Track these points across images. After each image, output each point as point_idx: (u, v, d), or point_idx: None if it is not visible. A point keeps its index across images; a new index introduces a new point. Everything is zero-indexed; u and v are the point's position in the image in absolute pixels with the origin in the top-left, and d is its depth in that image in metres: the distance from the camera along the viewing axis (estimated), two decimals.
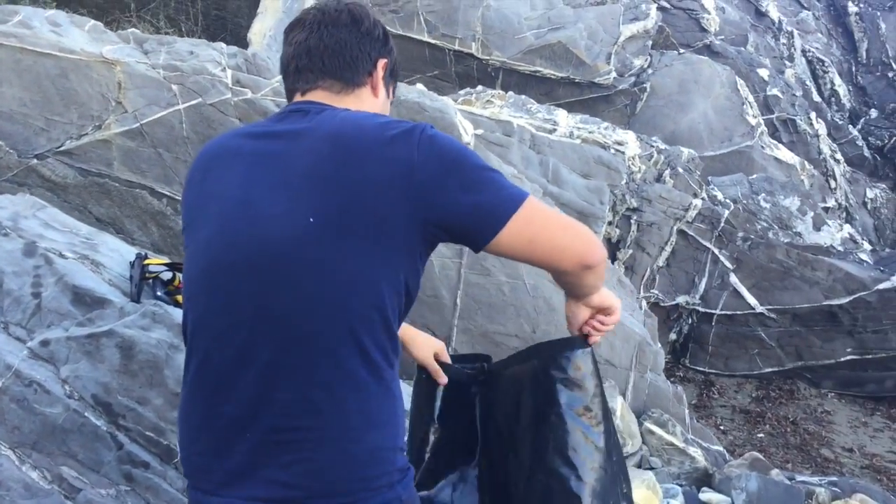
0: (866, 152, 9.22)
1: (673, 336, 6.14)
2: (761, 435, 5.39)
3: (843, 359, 6.10)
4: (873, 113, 9.90)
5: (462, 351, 3.71)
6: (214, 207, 1.44)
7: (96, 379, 2.23)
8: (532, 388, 1.66)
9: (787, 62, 8.89)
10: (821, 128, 7.98)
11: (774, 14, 9.37)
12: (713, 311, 5.99)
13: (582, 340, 1.66)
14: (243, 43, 6.03)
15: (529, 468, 1.65)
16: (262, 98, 3.49)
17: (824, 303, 5.92)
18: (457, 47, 6.63)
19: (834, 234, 6.25)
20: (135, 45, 3.60)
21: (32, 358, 2.25)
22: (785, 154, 7.10)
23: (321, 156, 1.36)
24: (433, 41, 6.63)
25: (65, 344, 2.25)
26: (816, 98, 8.94)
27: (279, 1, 6.17)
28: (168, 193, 3.51)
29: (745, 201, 6.09)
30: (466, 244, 1.41)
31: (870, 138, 9.53)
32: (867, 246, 6.38)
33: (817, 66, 9.49)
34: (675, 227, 5.81)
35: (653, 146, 6.03)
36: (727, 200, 6.00)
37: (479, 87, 5.96)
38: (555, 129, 5.71)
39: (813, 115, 8.06)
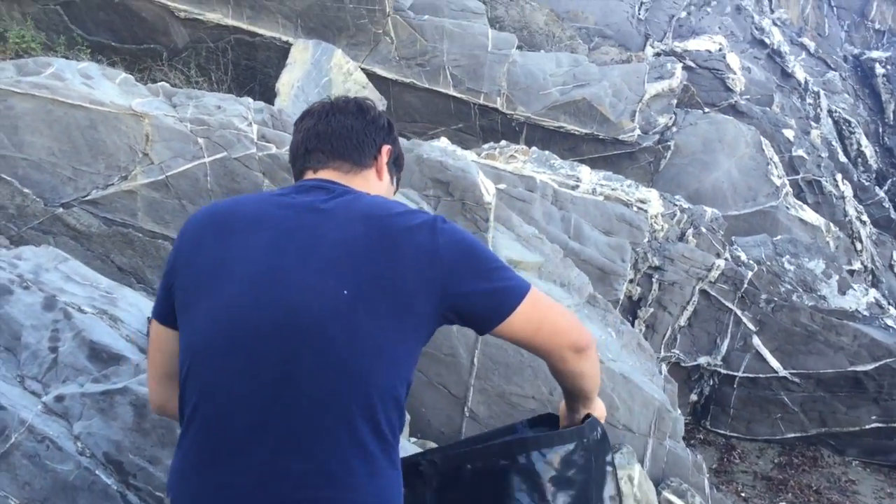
0: (893, 214, 9.14)
1: (694, 397, 6.05)
2: (783, 503, 5.25)
3: (867, 426, 5.96)
4: None
5: (479, 412, 3.66)
6: (238, 271, 1.46)
7: (109, 437, 2.22)
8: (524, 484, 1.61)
9: (812, 122, 8.87)
10: (847, 189, 7.92)
11: (801, 74, 9.39)
12: (735, 374, 5.90)
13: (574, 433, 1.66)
14: (271, 93, 6.12)
15: None
16: (286, 153, 3.52)
17: (849, 369, 5.81)
18: (482, 101, 6.69)
19: (859, 298, 6.16)
20: (164, 99, 3.66)
21: (46, 413, 2.24)
22: (810, 215, 7.04)
23: (355, 234, 1.44)
24: (458, 95, 6.70)
25: (79, 400, 2.24)
26: (843, 159, 8.90)
27: (308, 53, 6.27)
28: None
29: (768, 263, 6.02)
30: (474, 327, 1.52)
31: None
32: (893, 311, 6.27)
33: (843, 127, 9.46)
34: (697, 287, 5.75)
35: (676, 205, 6.01)
36: (751, 261, 5.94)
37: (503, 142, 5.99)
38: (577, 186, 5.71)
39: (839, 176, 8.02)
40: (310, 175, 1.65)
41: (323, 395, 1.37)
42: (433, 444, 3.55)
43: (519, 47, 7.01)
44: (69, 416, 2.24)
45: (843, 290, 6.16)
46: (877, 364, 5.75)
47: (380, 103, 6.54)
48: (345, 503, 1.36)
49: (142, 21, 6.24)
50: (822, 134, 8.84)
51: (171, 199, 3.50)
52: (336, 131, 1.66)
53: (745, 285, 5.81)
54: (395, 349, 1.41)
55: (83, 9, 6.17)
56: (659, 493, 3.59)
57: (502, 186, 4.97)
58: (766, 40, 9.48)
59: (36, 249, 2.67)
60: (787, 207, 6.93)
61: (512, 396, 3.65)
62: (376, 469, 1.39)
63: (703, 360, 5.88)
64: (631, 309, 5.65)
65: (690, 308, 5.78)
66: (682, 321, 5.80)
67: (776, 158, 7.19)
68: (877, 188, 9.22)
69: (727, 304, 5.80)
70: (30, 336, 2.34)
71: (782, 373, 5.88)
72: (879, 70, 10.54)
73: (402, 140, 4.03)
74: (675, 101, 7.21)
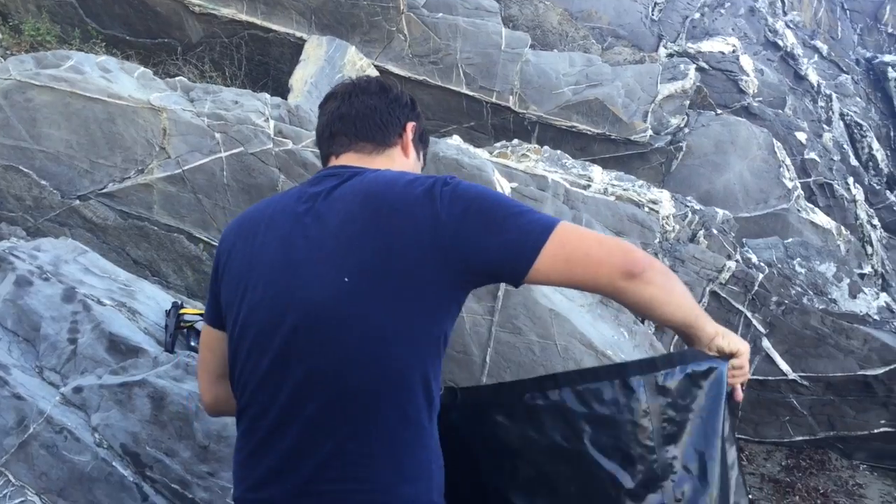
0: None
1: None
2: None
3: (876, 430, 5.94)
4: None
5: None
6: (260, 273, 1.52)
7: (126, 428, 2.24)
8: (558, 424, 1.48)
9: (825, 126, 8.84)
10: (858, 193, 7.90)
11: (813, 77, 9.35)
12: None
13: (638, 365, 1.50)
14: (284, 88, 6.13)
15: None
16: (303, 149, 3.53)
17: (859, 372, 5.79)
18: (494, 100, 6.68)
19: (870, 302, 6.14)
20: (181, 93, 3.68)
21: (64, 404, 2.26)
22: (821, 218, 7.02)
23: (352, 215, 1.44)
24: (471, 93, 6.69)
25: (97, 392, 2.26)
26: (854, 162, 8.86)
27: (321, 49, 6.28)
28: (205, 239, 3.54)
29: (779, 265, 6.01)
30: (505, 281, 1.45)
31: None
32: None
33: (855, 131, 9.43)
34: (707, 289, 5.74)
35: (687, 206, 6.00)
36: (762, 264, 5.93)
37: (515, 141, 5.99)
38: (589, 185, 5.71)
39: (850, 179, 7.99)
40: (332, 161, 1.67)
41: (343, 383, 1.39)
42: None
43: (532, 46, 7.00)
44: (87, 408, 2.26)
45: (853, 294, 6.14)
46: (887, 368, 5.73)
47: None
48: (364, 483, 1.39)
49: (156, 15, 6.25)
50: (834, 137, 8.81)
51: (188, 194, 3.52)
52: (359, 112, 1.65)
53: (756, 287, 5.80)
54: (412, 325, 1.39)
55: (98, 2, 6.19)
56: None
57: (514, 185, 4.97)
58: (780, 42, 9.44)
59: (55, 241, 2.69)
60: (799, 210, 6.91)
61: None
62: (403, 450, 1.40)
63: None
64: None
65: None
66: None
67: (788, 161, 7.17)
68: (888, 192, 9.18)
69: (737, 305, 5.79)
70: (49, 327, 2.36)
71: (791, 375, 5.86)
72: (892, 74, 10.49)
73: None
74: (687, 103, 7.19)
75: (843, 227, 7.19)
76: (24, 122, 3.40)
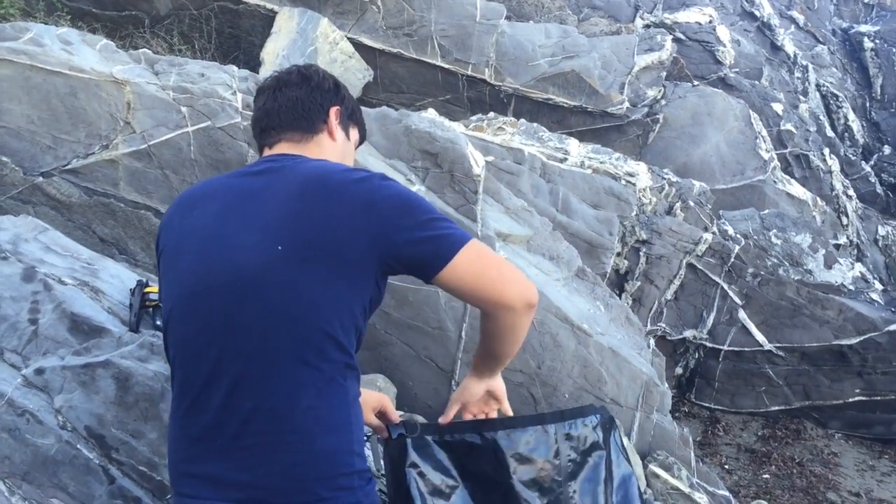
0: (879, 189, 9.15)
1: (679, 370, 6.06)
2: (767, 476, 5.29)
3: (851, 399, 6.00)
4: (886, 149, 9.85)
5: None
6: (193, 241, 1.63)
7: (90, 410, 2.18)
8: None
9: (801, 97, 8.85)
10: (834, 164, 7.92)
11: (790, 48, 9.34)
12: (721, 347, 5.91)
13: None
14: (256, 62, 6.02)
15: None
16: None
17: (834, 342, 5.84)
18: (470, 73, 6.60)
19: (845, 272, 6.18)
20: (146, 66, 3.58)
21: (26, 386, 2.20)
22: (797, 190, 7.03)
23: (292, 194, 1.57)
24: (446, 66, 6.61)
25: (60, 373, 2.20)
26: (830, 133, 8.89)
27: (293, 22, 6.17)
28: None
29: (756, 237, 6.02)
30: (419, 274, 1.58)
31: (883, 175, 9.46)
32: (878, 286, 6.29)
33: (831, 101, 9.45)
34: (684, 261, 5.75)
35: (664, 178, 5.98)
36: (738, 235, 5.94)
37: (491, 114, 5.93)
38: (566, 158, 5.67)
39: (826, 150, 8.01)
40: (266, 152, 1.79)
41: (264, 341, 1.52)
42: (420, 418, 3.53)
43: (508, 17, 6.91)
44: (50, 390, 2.20)
45: (829, 265, 6.17)
46: (861, 338, 5.78)
47: (366, 73, 6.46)
48: (287, 435, 1.51)
49: None
50: (811, 108, 8.82)
51: (154, 169, 3.44)
52: (283, 105, 1.78)
53: (732, 259, 5.81)
54: (334, 294, 1.53)
55: None
56: (645, 467, 3.60)
57: (490, 159, 4.92)
58: (757, 13, 9.41)
59: (15, 219, 2.61)
60: (775, 181, 6.92)
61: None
62: (323, 403, 1.54)
63: (688, 333, 5.89)
64: (618, 282, 5.64)
65: (677, 282, 5.77)
66: (669, 295, 5.80)
67: (764, 132, 7.17)
68: (863, 163, 9.23)
69: (714, 277, 5.80)
70: (9, 308, 2.29)
71: (767, 346, 5.90)
72: (868, 44, 10.49)
73: (390, 111, 3.97)
74: (664, 74, 7.15)
75: (818, 198, 7.22)
76: None
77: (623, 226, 5.46)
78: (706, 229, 5.81)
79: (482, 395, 1.90)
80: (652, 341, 4.39)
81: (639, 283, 5.68)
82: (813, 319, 5.85)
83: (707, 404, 6.08)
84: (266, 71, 5.66)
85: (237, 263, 1.54)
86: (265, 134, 1.80)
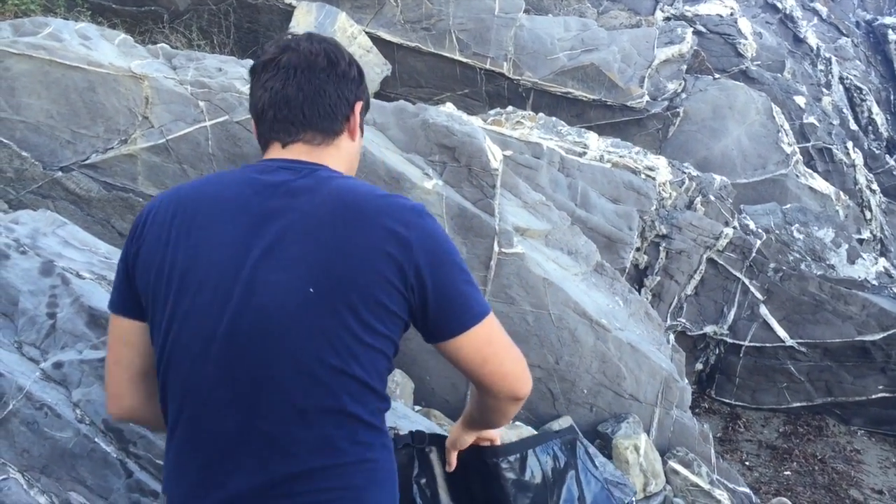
0: None
1: (699, 366, 6.01)
2: (788, 473, 5.24)
3: (874, 396, 5.92)
4: None
5: None
6: (211, 272, 1.39)
7: None
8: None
9: (824, 90, 8.73)
10: (857, 157, 7.81)
11: (813, 40, 9.22)
12: (741, 343, 5.85)
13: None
14: None
15: None
16: None
17: (857, 338, 5.76)
18: (488, 66, 6.57)
19: (868, 267, 6.09)
20: (164, 61, 3.59)
21: (45, 380, 2.21)
22: (820, 184, 6.94)
23: (321, 223, 1.37)
24: (464, 60, 6.58)
25: (78, 367, 2.21)
26: (853, 126, 8.77)
27: (311, 16, 6.16)
28: None
29: (777, 231, 5.95)
30: (428, 329, 1.43)
31: None
32: None
33: (855, 94, 9.32)
34: (704, 256, 5.69)
35: (684, 172, 5.92)
36: (759, 230, 5.87)
37: (510, 108, 5.90)
38: (585, 153, 5.62)
39: (850, 144, 7.90)
40: (276, 149, 1.53)
41: (301, 399, 1.35)
42: (437, 412, 3.52)
43: (526, 11, 6.87)
44: (68, 383, 2.21)
45: (852, 260, 6.09)
46: (885, 334, 5.70)
47: (385, 67, 6.44)
48: (331, 493, 1.37)
49: None
50: (834, 101, 8.71)
51: (172, 164, 3.44)
52: (308, 97, 1.50)
53: (754, 254, 5.74)
54: (371, 340, 1.37)
55: None
56: (665, 463, 3.57)
57: (508, 153, 4.89)
58: (779, 5, 9.30)
59: (33, 213, 2.62)
60: (797, 175, 6.83)
61: None
62: (365, 455, 1.40)
63: (709, 329, 5.83)
64: (637, 277, 5.60)
65: (697, 277, 5.72)
66: (689, 290, 5.75)
67: (787, 126, 7.08)
68: (887, 156, 9.10)
69: (735, 272, 5.74)
70: (27, 301, 2.30)
71: (789, 342, 5.83)
72: (892, 36, 10.34)
73: (407, 105, 3.96)
74: (685, 67, 7.08)
75: (841, 193, 7.12)
76: (3, 91, 3.31)
77: (643, 220, 5.41)
78: (727, 224, 5.75)
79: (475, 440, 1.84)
80: (672, 337, 4.35)
81: (658, 278, 5.63)
82: (835, 315, 5.77)
83: (727, 400, 6.02)
84: None
85: (263, 307, 1.35)
86: (279, 126, 1.51)
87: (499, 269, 3.54)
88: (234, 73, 3.54)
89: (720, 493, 3.49)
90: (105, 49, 3.48)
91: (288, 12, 6.30)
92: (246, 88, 3.49)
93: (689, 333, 5.77)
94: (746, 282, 5.78)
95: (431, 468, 1.93)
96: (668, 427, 3.77)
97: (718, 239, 5.65)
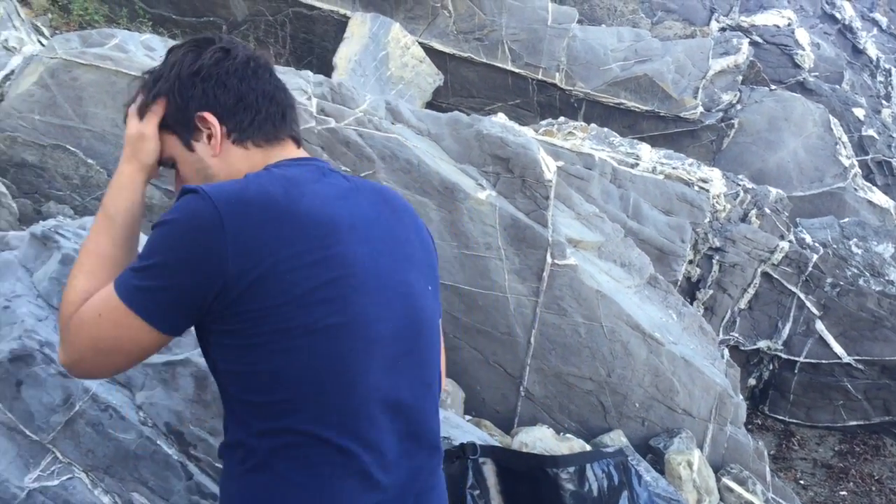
0: None
1: (752, 382, 5.91)
2: (844, 493, 5.12)
3: None
4: None
5: (534, 391, 3.63)
6: (362, 282, 1.35)
7: (170, 407, 2.24)
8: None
9: (884, 101, 8.55)
10: None
11: (872, 51, 9.04)
12: (796, 359, 5.74)
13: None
14: (328, 67, 6.10)
15: None
16: (345, 127, 3.50)
17: None
18: (540, 77, 6.58)
19: None
20: None
21: (109, 382, 2.27)
22: (879, 197, 6.79)
23: (403, 224, 1.48)
24: (516, 70, 6.60)
25: (141, 370, 2.26)
26: None
27: (365, 27, 6.24)
28: None
29: (835, 246, 5.83)
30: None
31: None
32: None
33: None
34: (759, 270, 5.60)
35: (739, 185, 5.85)
36: (816, 244, 5.76)
37: (561, 118, 5.89)
38: (637, 164, 5.59)
39: None
40: (281, 149, 1.47)
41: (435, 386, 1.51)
42: (488, 423, 3.52)
43: (579, 21, 6.87)
44: (132, 386, 2.26)
45: None
46: None
47: (437, 77, 6.49)
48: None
49: None
50: (894, 113, 8.52)
51: None
52: (288, 102, 1.52)
53: (810, 268, 5.64)
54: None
55: None
56: (718, 480, 3.52)
57: (560, 164, 4.89)
58: (837, 15, 9.14)
59: None
60: (856, 189, 6.69)
61: (569, 377, 3.60)
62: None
63: (762, 344, 5.74)
64: (689, 291, 5.53)
65: (751, 291, 5.63)
66: (743, 304, 5.66)
67: (845, 138, 6.94)
68: None
69: (790, 287, 5.64)
70: None
71: (846, 359, 5.70)
72: None
73: (461, 115, 3.98)
74: (740, 78, 7.00)
75: None
76: (71, 100, 3.42)
77: (695, 233, 5.35)
78: (782, 237, 5.65)
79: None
80: (726, 352, 4.29)
81: (711, 292, 5.56)
82: (894, 332, 5.63)
83: (781, 417, 5.91)
84: (339, 76, 5.74)
85: (416, 308, 1.43)
86: (284, 121, 1.48)
87: (551, 281, 3.53)
88: (293, 84, 3.59)
89: None
90: None
91: (342, 23, 6.39)
92: (303, 99, 3.54)
93: (742, 348, 5.68)
94: (802, 297, 5.67)
95: (485, 480, 1.93)
96: (722, 443, 3.71)
97: (773, 252, 5.56)
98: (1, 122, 3.43)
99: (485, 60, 6.57)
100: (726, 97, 6.80)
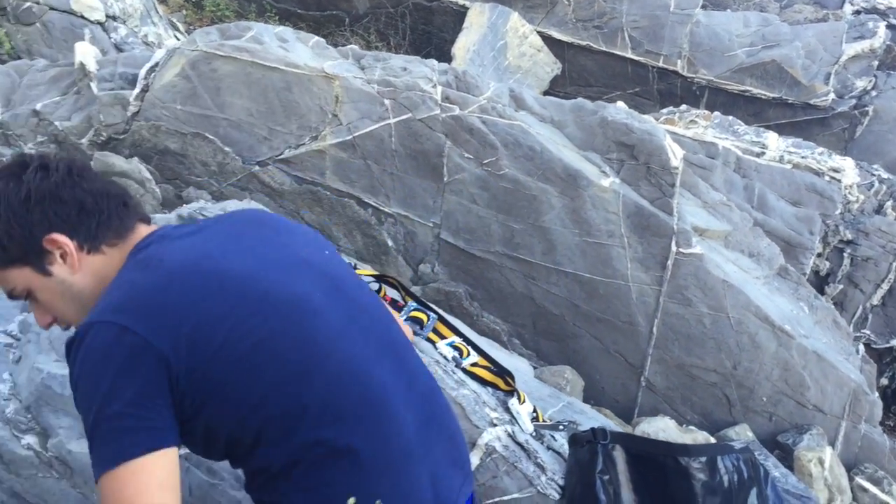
0: None
1: (885, 381, 5.62)
2: None
3: None
4: None
5: (656, 382, 3.57)
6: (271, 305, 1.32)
7: None
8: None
9: None
10: None
11: None
12: None
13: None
14: (446, 56, 6.17)
15: None
16: (469, 115, 3.53)
17: None
18: (661, 64, 6.44)
19: None
20: (353, 61, 3.76)
21: None
22: None
23: (268, 226, 1.51)
24: (636, 58, 6.48)
25: None
26: None
27: (484, 17, 6.26)
28: (374, 204, 3.63)
29: None
30: None
31: None
32: None
33: None
34: (894, 264, 5.32)
35: (874, 174, 5.56)
36: None
37: (683, 106, 5.75)
38: (763, 153, 5.39)
39: None
40: (131, 238, 1.40)
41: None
42: (608, 411, 3.50)
43: (703, 6, 6.68)
44: None
45: None
46: None
47: (555, 66, 6.45)
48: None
49: None
50: None
51: (357, 160, 3.61)
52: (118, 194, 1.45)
53: None
54: None
55: None
56: (851, 479, 3.37)
57: (682, 153, 4.77)
58: None
59: (240, 203, 2.83)
60: None
61: (692, 368, 3.53)
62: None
63: None
64: (818, 285, 5.30)
65: (886, 286, 5.35)
66: (876, 300, 5.39)
67: None
68: None
69: None
70: None
71: None
72: None
73: (585, 102, 3.95)
74: (875, 63, 6.64)
75: None
76: (210, 91, 3.59)
77: (825, 225, 5.13)
78: None
79: None
80: (861, 347, 4.10)
81: (841, 287, 5.32)
82: None
83: None
84: (457, 65, 5.79)
85: (330, 276, 1.52)
86: (128, 210, 1.42)
87: (676, 270, 3.47)
88: (418, 73, 3.66)
89: None
90: (301, 51, 3.70)
91: (461, 13, 6.44)
92: (429, 87, 3.60)
93: (874, 346, 5.41)
94: None
95: (615, 465, 1.93)
96: (856, 442, 3.56)
97: None
98: (146, 112, 3.64)
99: (604, 48, 6.48)
100: (860, 83, 6.47)
